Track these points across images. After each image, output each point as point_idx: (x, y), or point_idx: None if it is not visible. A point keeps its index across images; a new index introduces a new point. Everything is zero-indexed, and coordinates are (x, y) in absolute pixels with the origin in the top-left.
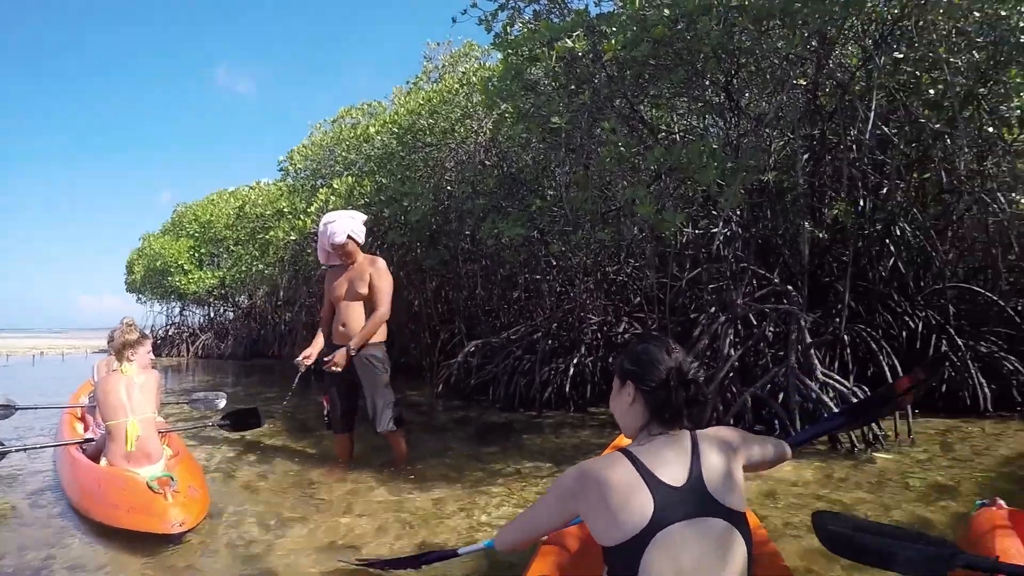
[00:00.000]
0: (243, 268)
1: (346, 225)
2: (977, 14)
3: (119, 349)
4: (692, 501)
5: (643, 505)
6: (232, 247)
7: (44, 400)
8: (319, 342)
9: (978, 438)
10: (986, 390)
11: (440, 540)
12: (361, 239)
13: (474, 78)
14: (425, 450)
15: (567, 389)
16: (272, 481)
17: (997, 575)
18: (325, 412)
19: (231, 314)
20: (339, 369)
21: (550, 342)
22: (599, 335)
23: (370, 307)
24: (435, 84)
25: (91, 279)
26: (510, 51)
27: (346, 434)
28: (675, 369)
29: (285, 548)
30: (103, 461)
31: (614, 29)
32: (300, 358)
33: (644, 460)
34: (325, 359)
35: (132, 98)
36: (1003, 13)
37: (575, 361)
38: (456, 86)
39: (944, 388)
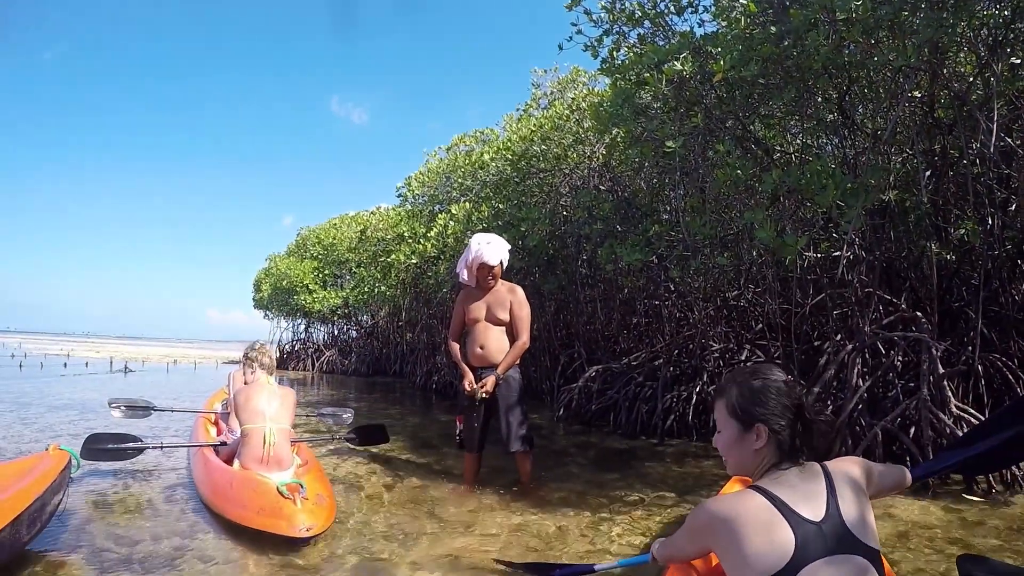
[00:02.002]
0: (366, 289)
1: (501, 250)
2: None
3: (260, 365)
4: (833, 537)
5: (784, 541)
6: (355, 269)
7: (178, 404)
8: (460, 359)
9: None
10: None
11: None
12: (505, 266)
13: (583, 104)
14: (547, 474)
15: (689, 417)
16: (396, 495)
17: None
18: (458, 431)
19: (354, 332)
20: (488, 395)
21: (671, 369)
22: (721, 362)
23: (509, 333)
24: (545, 111)
25: (218, 294)
26: (618, 76)
27: (476, 454)
28: (801, 404)
29: (408, 561)
30: (236, 464)
31: (720, 50)
32: (478, 388)
33: (780, 495)
34: (470, 384)
35: (254, 130)
36: None
37: (697, 389)
38: (566, 112)
39: None
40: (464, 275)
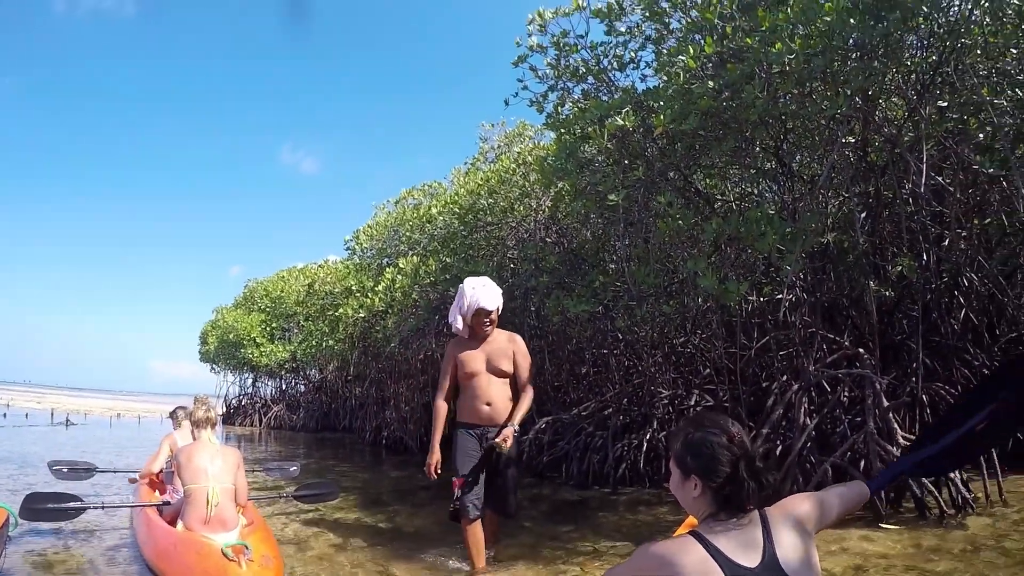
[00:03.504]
0: (313, 343)
1: (496, 294)
2: (1014, 51)
3: (201, 422)
4: None
5: None
6: (303, 322)
7: (121, 461)
8: (439, 431)
9: None
10: None
11: None
12: (500, 311)
13: (530, 157)
14: (499, 528)
15: (641, 465)
16: (346, 554)
17: None
18: (455, 497)
19: (302, 387)
20: (507, 451)
21: (621, 417)
22: (670, 408)
23: (511, 385)
24: (492, 164)
25: (162, 345)
26: (562, 130)
27: (479, 518)
28: (742, 459)
29: None
30: (179, 525)
31: (661, 104)
32: (500, 443)
33: (717, 543)
34: (494, 440)
35: (201, 179)
36: None
37: (648, 436)
38: (513, 166)
39: None
40: (458, 323)
